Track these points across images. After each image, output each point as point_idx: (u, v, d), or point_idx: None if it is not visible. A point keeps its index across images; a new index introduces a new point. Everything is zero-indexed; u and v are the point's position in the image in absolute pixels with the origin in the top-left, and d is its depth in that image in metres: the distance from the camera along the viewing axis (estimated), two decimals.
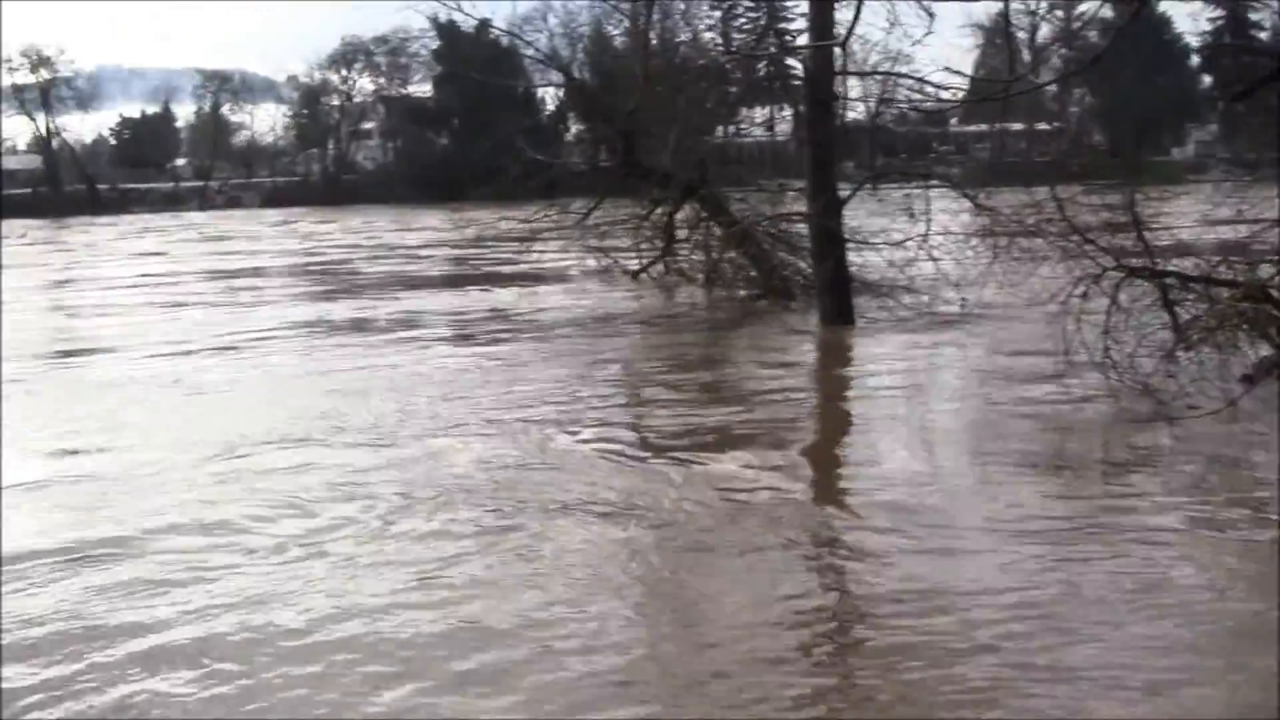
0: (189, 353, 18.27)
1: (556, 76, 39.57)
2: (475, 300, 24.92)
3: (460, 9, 27.48)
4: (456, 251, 38.67)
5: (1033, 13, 77.82)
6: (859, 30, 16.97)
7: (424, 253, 40.20)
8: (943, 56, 38.64)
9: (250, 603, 7.23)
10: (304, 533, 8.61)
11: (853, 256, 19.82)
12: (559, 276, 28.39)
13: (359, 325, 21.54)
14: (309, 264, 38.34)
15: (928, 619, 6.72)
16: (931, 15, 9.68)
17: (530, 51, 40.24)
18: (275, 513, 9.14)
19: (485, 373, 15.60)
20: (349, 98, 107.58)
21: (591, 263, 27.76)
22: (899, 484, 9.54)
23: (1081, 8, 73.22)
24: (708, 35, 75.56)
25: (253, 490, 9.76)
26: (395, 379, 15.25)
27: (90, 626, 6.97)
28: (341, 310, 24.01)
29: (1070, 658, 6.21)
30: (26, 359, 18.33)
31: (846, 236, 19.40)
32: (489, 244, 34.41)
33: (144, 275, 34.94)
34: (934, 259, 19.50)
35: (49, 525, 8.98)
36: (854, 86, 19.83)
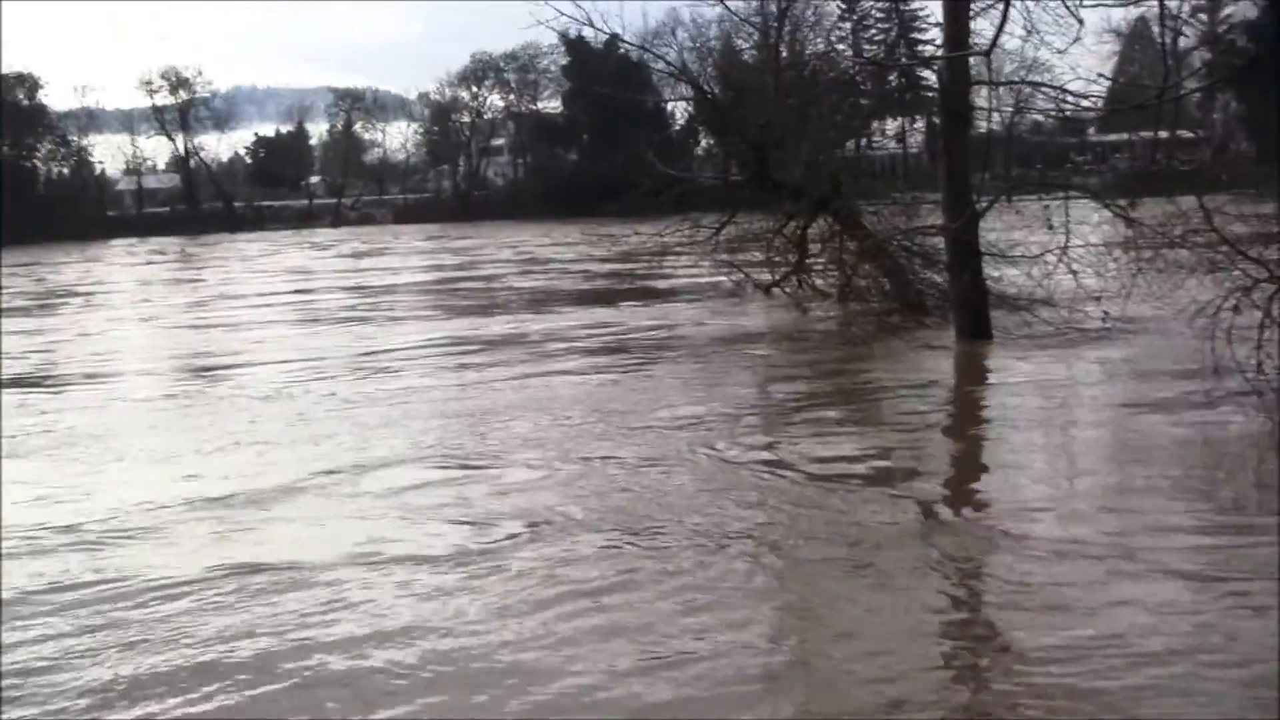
0: (345, 368, 18.64)
1: (686, 90, 39.48)
2: (611, 316, 24.97)
3: (590, 24, 27.44)
4: (599, 266, 38.87)
5: (1175, 17, 76.18)
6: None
7: (573, 267, 40.53)
8: (1080, 64, 37.96)
9: (411, 629, 7.23)
10: (471, 551, 8.67)
11: (989, 270, 19.43)
12: (693, 291, 28.32)
13: (509, 340, 21.61)
14: (457, 279, 38.70)
15: (1073, 650, 6.52)
16: (1080, 21, 9.39)
17: (660, 66, 40.33)
18: (446, 529, 9.25)
19: (624, 390, 15.57)
20: (479, 114, 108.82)
21: (724, 279, 27.65)
22: (1040, 509, 9.23)
23: (1227, 10, 71.55)
24: (839, 47, 74.99)
25: (414, 509, 9.87)
26: (543, 395, 15.31)
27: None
28: (494, 325, 24.13)
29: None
30: (180, 373, 18.81)
31: (983, 249, 19.03)
32: (628, 259, 34.50)
33: (295, 290, 35.67)
34: (1073, 272, 18.97)
35: (216, 542, 9.14)
36: (988, 96, 19.39)
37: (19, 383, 18.70)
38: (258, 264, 54.56)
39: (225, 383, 17.86)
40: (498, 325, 24.06)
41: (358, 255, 57.08)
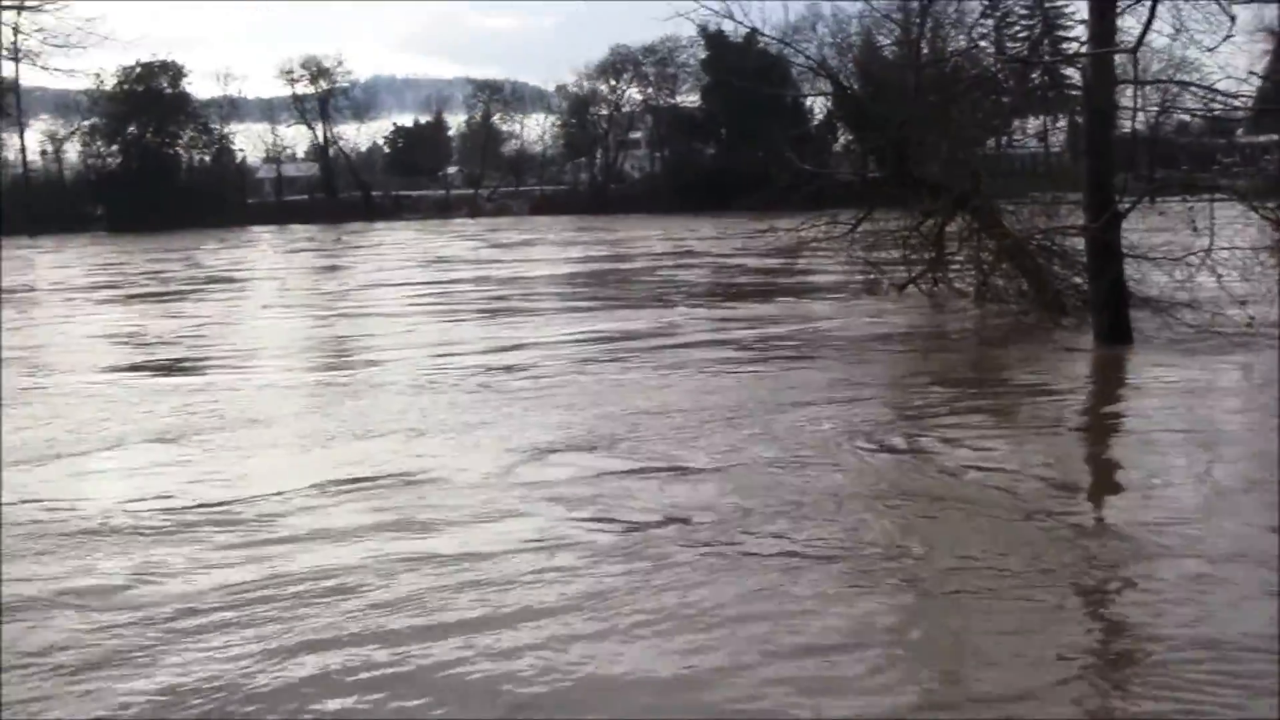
0: (493, 358, 18.84)
1: (826, 86, 39.25)
2: (747, 311, 25.15)
3: (731, 18, 27.48)
4: (737, 260, 38.96)
5: None
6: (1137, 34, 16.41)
7: (715, 261, 40.74)
8: (1230, 63, 37.00)
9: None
10: (629, 545, 8.76)
11: (1130, 271, 19.17)
12: (828, 288, 28.31)
13: (655, 333, 21.76)
14: (605, 271, 39.07)
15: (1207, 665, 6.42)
16: (1233, 18, 9.19)
17: (800, 60, 40.13)
18: (605, 523, 9.34)
19: (767, 387, 15.64)
20: (617, 107, 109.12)
21: (859, 276, 27.56)
22: (1182, 521, 9.01)
23: None
24: (981, 44, 74.05)
25: (575, 499, 9.99)
26: (690, 388, 15.52)
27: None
28: (639, 319, 24.22)
29: None
30: (330, 359, 19.31)
31: (1125, 251, 18.78)
32: (764, 254, 34.42)
33: (442, 280, 36.21)
34: (1218, 275, 18.64)
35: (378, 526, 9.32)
36: (1132, 95, 19.10)
37: (174, 368, 19.27)
38: (407, 249, 55.18)
39: (373, 369, 18.10)
40: (643, 319, 24.18)
41: (502, 245, 57.54)
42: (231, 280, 40.36)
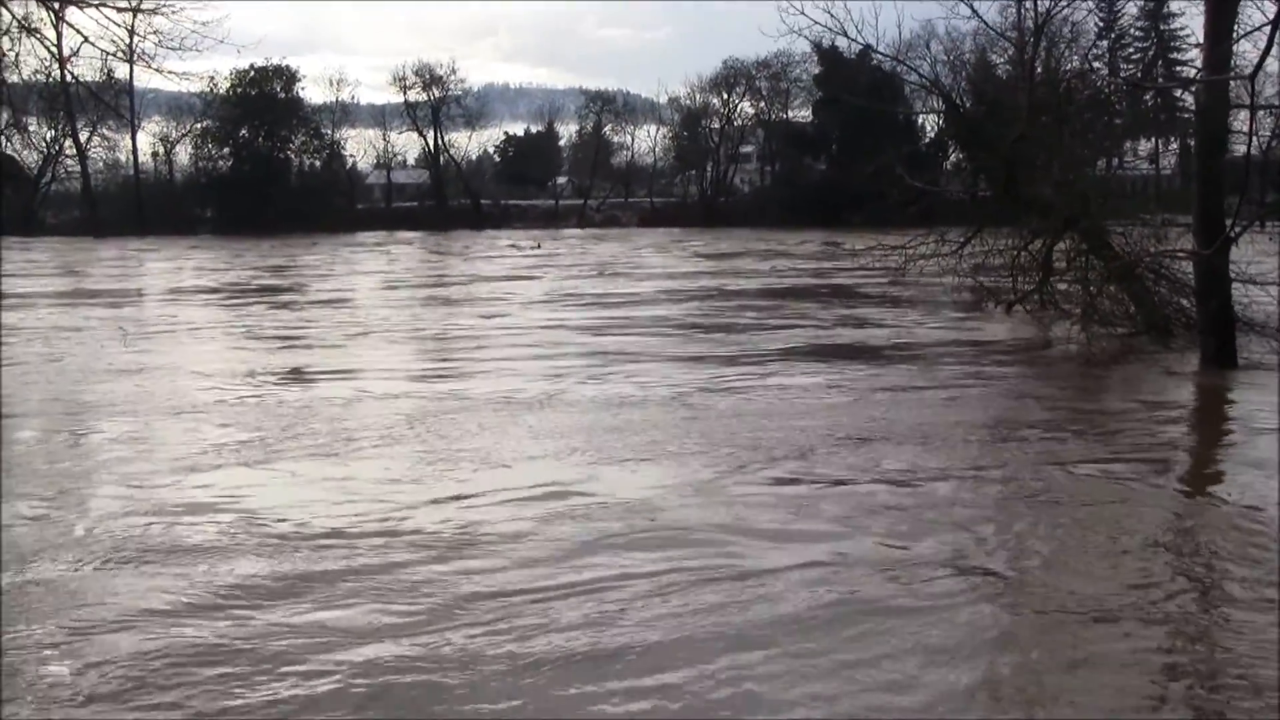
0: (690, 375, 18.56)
1: (938, 103, 39.44)
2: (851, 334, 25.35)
3: (845, 34, 27.78)
4: (849, 279, 39.02)
5: None
6: (1253, 59, 16.48)
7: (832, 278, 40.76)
8: None
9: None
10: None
11: (1238, 296, 19.25)
12: (935, 304, 28.47)
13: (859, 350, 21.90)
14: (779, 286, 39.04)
15: None
16: None
17: (913, 78, 40.30)
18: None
19: (861, 404, 16.01)
20: (729, 121, 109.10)
21: (966, 294, 27.71)
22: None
23: None
24: (1095, 65, 73.50)
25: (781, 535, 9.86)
26: (807, 405, 15.78)
27: None
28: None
29: None
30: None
31: (1233, 275, 18.88)
32: (873, 270, 34.48)
33: (611, 293, 35.74)
34: None
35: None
36: (1246, 119, 19.16)
37: (341, 373, 19.14)
38: (561, 259, 54.72)
39: (558, 383, 17.52)
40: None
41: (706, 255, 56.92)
42: (385, 285, 40.96)
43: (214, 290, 37.13)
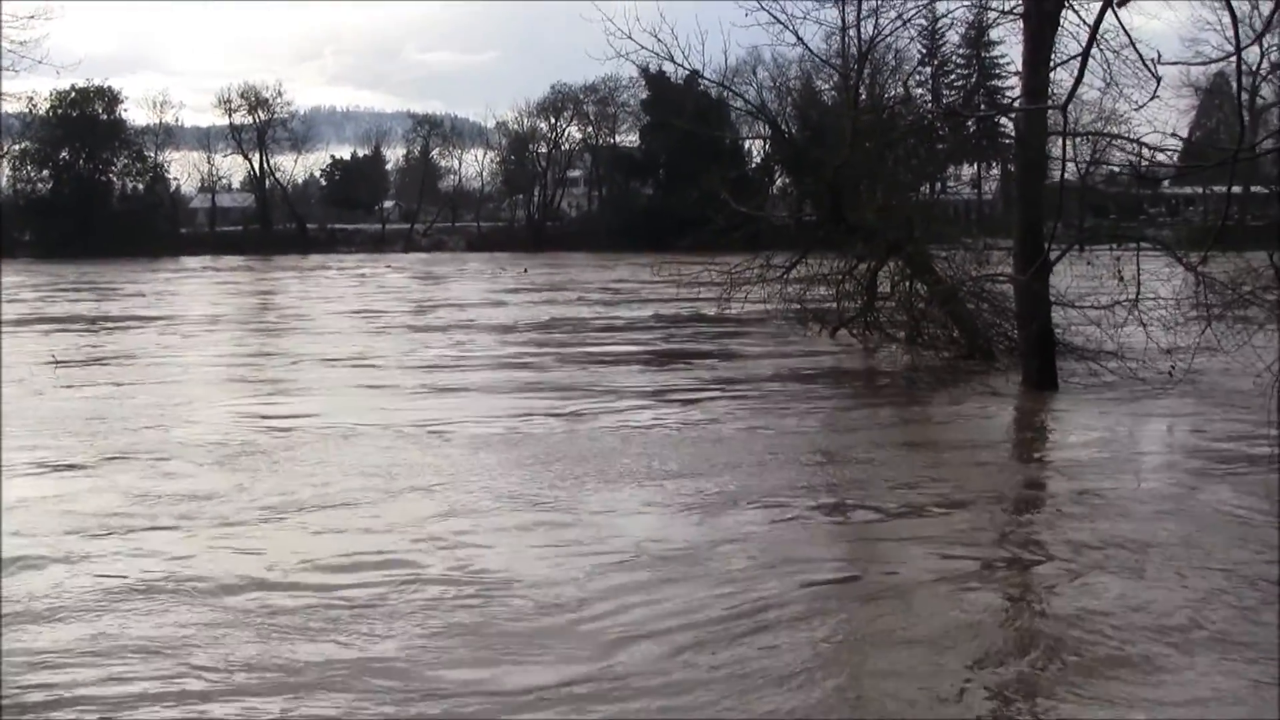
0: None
1: (764, 129, 39.69)
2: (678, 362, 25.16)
3: (671, 60, 27.64)
4: (669, 307, 38.96)
5: (1254, 73, 75.33)
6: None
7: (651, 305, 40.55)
8: (1157, 117, 37.90)
9: None
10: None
11: (1058, 319, 19.52)
12: (759, 331, 28.40)
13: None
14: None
15: None
16: (1158, 79, 9.43)
17: (739, 103, 40.43)
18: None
19: (686, 438, 15.73)
20: (556, 145, 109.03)
21: (792, 319, 27.70)
22: (1082, 573, 9.24)
23: None
24: (918, 92, 74.96)
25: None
26: (609, 445, 15.52)
27: None
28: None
29: None
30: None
31: (1053, 298, 19.13)
32: (696, 295, 34.47)
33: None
34: (1143, 324, 18.95)
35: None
36: (1062, 146, 19.45)
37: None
38: (439, 288, 53.76)
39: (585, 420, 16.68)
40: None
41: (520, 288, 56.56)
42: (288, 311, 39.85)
43: None
